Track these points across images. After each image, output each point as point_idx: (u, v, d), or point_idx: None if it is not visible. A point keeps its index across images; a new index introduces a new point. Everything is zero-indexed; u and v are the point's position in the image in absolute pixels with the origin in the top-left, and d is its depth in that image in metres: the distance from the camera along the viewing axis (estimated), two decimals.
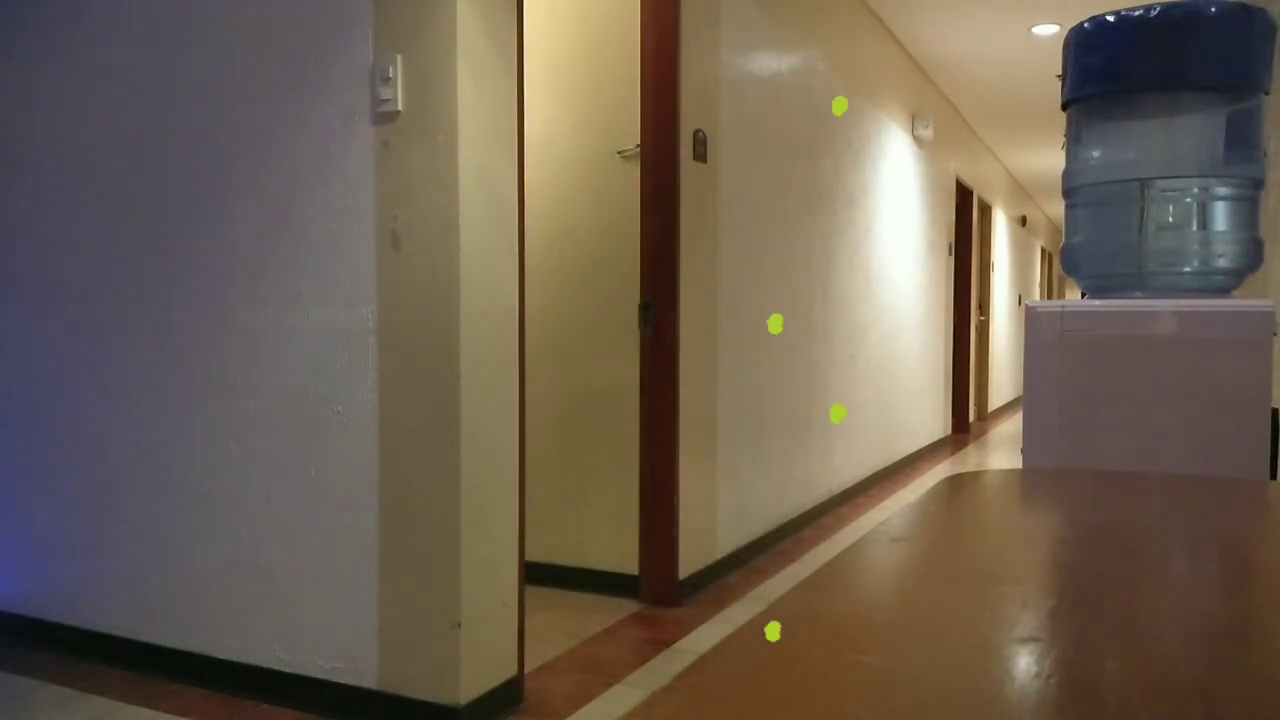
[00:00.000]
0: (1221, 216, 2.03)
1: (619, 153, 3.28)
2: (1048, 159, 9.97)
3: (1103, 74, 2.03)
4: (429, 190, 2.15)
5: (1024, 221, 12.07)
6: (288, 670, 2.37)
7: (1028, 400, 2.04)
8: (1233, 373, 1.83)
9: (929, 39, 5.94)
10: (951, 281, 7.76)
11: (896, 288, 6.03)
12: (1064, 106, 2.18)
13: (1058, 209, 13.62)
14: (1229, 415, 1.83)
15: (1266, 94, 2.00)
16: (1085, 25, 2.04)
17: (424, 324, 2.17)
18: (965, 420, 8.43)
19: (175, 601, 2.56)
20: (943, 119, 7.25)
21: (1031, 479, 1.24)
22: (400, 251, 2.19)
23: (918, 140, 6.46)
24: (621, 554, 3.30)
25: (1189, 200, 2.03)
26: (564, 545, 3.42)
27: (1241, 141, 2.02)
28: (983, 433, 8.52)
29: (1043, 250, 14.55)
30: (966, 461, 6.83)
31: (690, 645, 2.82)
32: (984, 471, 1.26)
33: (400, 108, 2.16)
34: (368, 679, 2.26)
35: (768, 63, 3.93)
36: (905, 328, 6.27)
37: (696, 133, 3.26)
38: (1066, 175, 2.21)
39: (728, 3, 3.54)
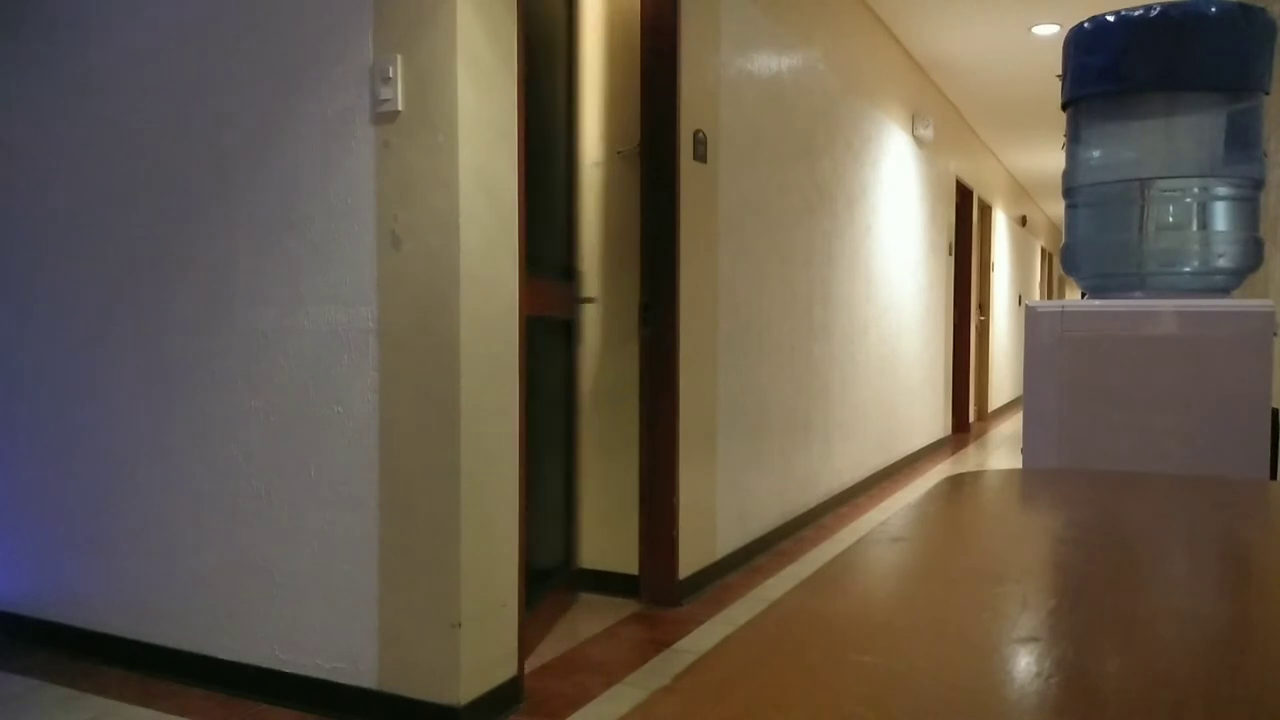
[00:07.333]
0: (1221, 216, 2.03)
1: (619, 152, 3.28)
2: (1048, 159, 9.97)
3: (1103, 74, 2.03)
4: (429, 190, 2.15)
5: (1024, 221, 12.07)
6: (288, 670, 2.37)
7: (1028, 400, 2.04)
8: (1233, 373, 1.83)
9: (929, 39, 5.94)
10: (951, 281, 7.76)
11: (896, 288, 6.03)
12: (1064, 106, 2.18)
13: (1058, 209, 13.62)
14: (1229, 415, 1.83)
15: (1266, 94, 2.00)
16: (1085, 25, 2.04)
17: (424, 324, 2.17)
18: (965, 420, 8.43)
19: (175, 601, 2.56)
20: (943, 119, 7.24)
21: (1031, 479, 1.24)
22: (400, 251, 2.19)
23: (918, 140, 6.46)
24: (621, 554, 3.30)
25: (1189, 200, 2.03)
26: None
27: (1241, 141, 2.02)
28: (983, 433, 8.52)
29: (1043, 250, 14.55)
30: (966, 461, 6.82)
31: (690, 645, 2.82)
32: (984, 471, 1.26)
33: (400, 108, 2.16)
34: (368, 679, 2.26)
35: (768, 63, 3.93)
36: (905, 328, 6.27)
37: (696, 133, 3.26)
38: (1066, 175, 2.21)
39: (728, 3, 3.54)
